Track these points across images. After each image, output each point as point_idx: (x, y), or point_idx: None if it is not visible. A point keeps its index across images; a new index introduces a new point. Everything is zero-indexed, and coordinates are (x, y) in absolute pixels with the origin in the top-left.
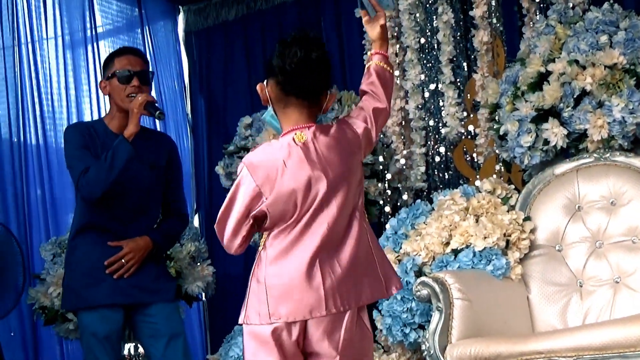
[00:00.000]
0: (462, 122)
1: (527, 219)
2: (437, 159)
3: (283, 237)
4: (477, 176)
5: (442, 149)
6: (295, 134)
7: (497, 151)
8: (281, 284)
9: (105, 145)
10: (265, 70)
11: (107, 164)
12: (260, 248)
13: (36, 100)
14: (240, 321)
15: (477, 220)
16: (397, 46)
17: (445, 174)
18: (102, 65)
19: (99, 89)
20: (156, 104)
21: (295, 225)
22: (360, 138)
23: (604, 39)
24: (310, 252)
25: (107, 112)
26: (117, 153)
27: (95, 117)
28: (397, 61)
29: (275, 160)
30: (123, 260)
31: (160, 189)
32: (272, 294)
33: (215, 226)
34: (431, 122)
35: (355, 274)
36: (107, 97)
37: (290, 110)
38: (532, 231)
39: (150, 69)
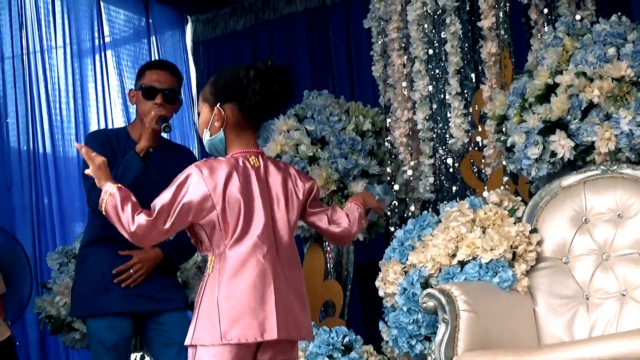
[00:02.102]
0: (470, 133)
1: (534, 231)
2: (445, 170)
3: (232, 258)
4: (485, 188)
5: (449, 160)
6: (250, 156)
7: (504, 163)
8: (234, 305)
9: (127, 154)
10: (224, 93)
11: (117, 178)
12: (209, 271)
13: (44, 109)
14: (187, 342)
15: (483, 232)
16: (405, 57)
17: (453, 185)
18: (136, 73)
19: (127, 98)
20: (167, 118)
21: (241, 244)
22: (305, 187)
23: (611, 51)
24: (263, 274)
25: (133, 120)
26: (127, 168)
27: (102, 126)
28: (405, 72)
29: (227, 171)
30: (131, 271)
31: None
32: (225, 315)
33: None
34: (439, 134)
35: (300, 306)
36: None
37: (244, 135)
38: (539, 243)
39: (180, 86)
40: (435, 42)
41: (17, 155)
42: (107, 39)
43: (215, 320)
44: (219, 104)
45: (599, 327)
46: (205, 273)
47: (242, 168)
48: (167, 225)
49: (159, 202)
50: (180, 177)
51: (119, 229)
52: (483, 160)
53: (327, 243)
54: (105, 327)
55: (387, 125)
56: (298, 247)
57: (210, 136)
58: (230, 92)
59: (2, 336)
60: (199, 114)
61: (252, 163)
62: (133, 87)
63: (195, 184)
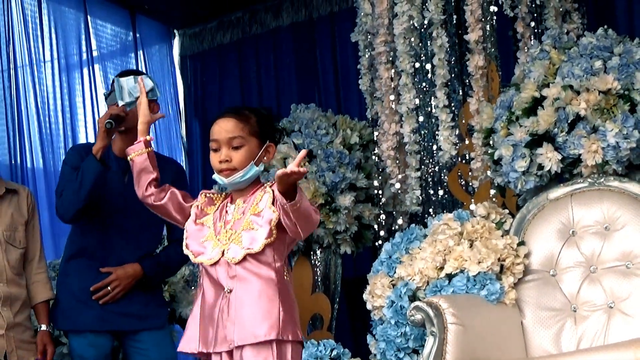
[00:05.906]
0: (457, 146)
1: (521, 243)
2: (432, 183)
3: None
4: (472, 200)
5: (436, 173)
6: None
7: (491, 176)
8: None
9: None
10: (271, 132)
11: (77, 183)
12: (286, 277)
13: (33, 123)
14: (272, 336)
15: (471, 245)
16: (392, 70)
17: (440, 198)
18: None
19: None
20: (113, 117)
21: None
22: None
23: (598, 64)
24: None
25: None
26: (85, 171)
27: (91, 139)
28: (392, 85)
29: None
30: (109, 288)
31: None
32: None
33: None
34: (426, 146)
35: None
36: None
37: None
38: (526, 256)
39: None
40: (422, 55)
41: (6, 169)
42: (94, 53)
43: (296, 319)
44: (268, 140)
45: (587, 339)
46: (277, 274)
47: None
48: None
49: None
50: None
51: None
52: (470, 173)
53: (314, 257)
54: (84, 343)
55: (375, 139)
56: None
57: (257, 167)
58: (273, 132)
59: None
60: (237, 147)
61: None
62: None
63: None
